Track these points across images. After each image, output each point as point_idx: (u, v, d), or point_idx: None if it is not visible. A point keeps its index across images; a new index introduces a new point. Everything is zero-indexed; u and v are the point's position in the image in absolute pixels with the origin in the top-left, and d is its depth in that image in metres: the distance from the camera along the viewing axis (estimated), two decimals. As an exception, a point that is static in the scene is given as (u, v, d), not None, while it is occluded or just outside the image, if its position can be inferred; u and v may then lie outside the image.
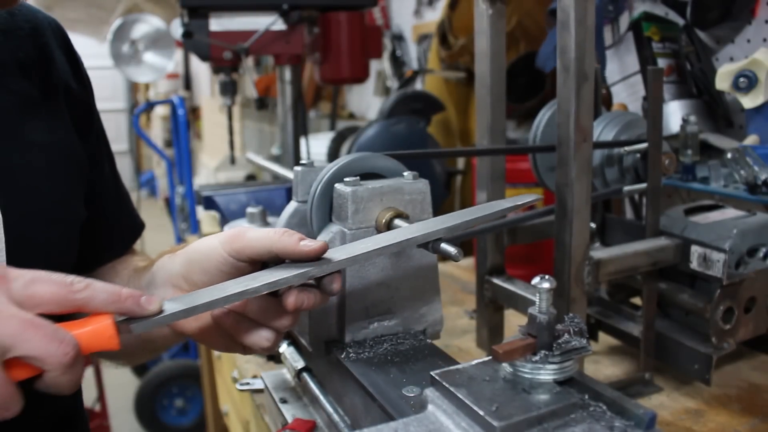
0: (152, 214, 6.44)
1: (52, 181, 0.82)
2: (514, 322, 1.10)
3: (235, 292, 0.63)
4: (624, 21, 1.68)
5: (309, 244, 0.66)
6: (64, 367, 0.54)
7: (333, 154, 2.17)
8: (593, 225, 1.01)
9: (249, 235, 0.69)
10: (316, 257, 0.67)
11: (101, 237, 0.95)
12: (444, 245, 0.70)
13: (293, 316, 0.70)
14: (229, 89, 2.08)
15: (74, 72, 0.90)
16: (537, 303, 0.58)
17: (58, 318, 0.56)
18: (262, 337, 0.70)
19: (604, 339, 1.19)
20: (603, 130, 1.09)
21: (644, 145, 1.01)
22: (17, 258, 0.71)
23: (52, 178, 0.82)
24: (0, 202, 0.74)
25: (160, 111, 7.26)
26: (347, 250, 0.70)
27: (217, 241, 0.71)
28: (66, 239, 0.84)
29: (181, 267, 0.75)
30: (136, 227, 1.04)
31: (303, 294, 0.67)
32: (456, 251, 0.69)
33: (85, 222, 0.88)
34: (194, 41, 1.91)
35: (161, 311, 0.60)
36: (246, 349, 0.72)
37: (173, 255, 0.79)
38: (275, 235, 0.67)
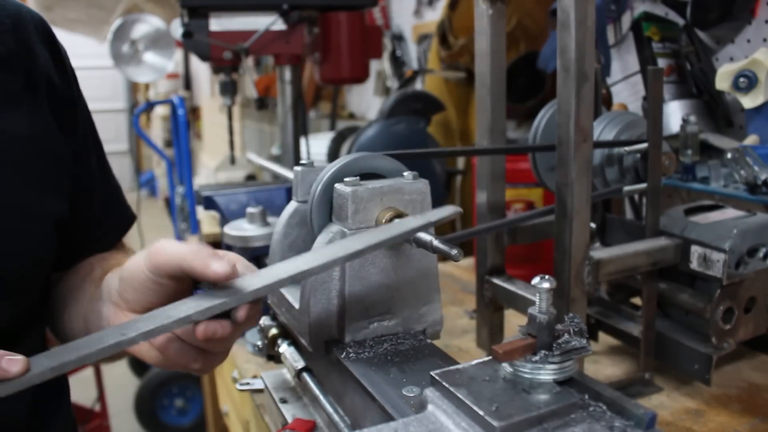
0: (152, 214, 6.45)
1: (29, 175, 0.81)
2: (514, 322, 1.10)
3: (109, 344, 0.57)
4: (626, 20, 1.68)
5: (217, 270, 0.63)
6: None
7: (333, 154, 2.17)
8: (593, 225, 1.01)
9: (167, 250, 0.67)
10: (224, 279, 0.64)
11: (87, 231, 0.95)
12: (444, 245, 0.70)
13: (232, 338, 0.69)
14: (229, 89, 2.07)
15: (57, 67, 0.88)
16: (537, 303, 0.58)
17: None
18: (202, 362, 0.71)
19: (604, 339, 1.19)
20: (603, 130, 1.09)
21: (644, 145, 1.01)
22: None
23: (28, 171, 0.81)
24: None
25: (160, 111, 7.24)
26: (261, 277, 0.65)
27: (142, 257, 0.70)
28: (41, 234, 0.83)
29: (117, 284, 0.75)
30: (125, 220, 1.03)
31: (214, 323, 0.65)
32: (456, 251, 0.69)
33: (71, 216, 0.88)
34: (194, 41, 1.91)
35: (27, 371, 0.55)
36: (196, 370, 0.73)
37: (116, 270, 0.78)
38: (188, 253, 0.65)
